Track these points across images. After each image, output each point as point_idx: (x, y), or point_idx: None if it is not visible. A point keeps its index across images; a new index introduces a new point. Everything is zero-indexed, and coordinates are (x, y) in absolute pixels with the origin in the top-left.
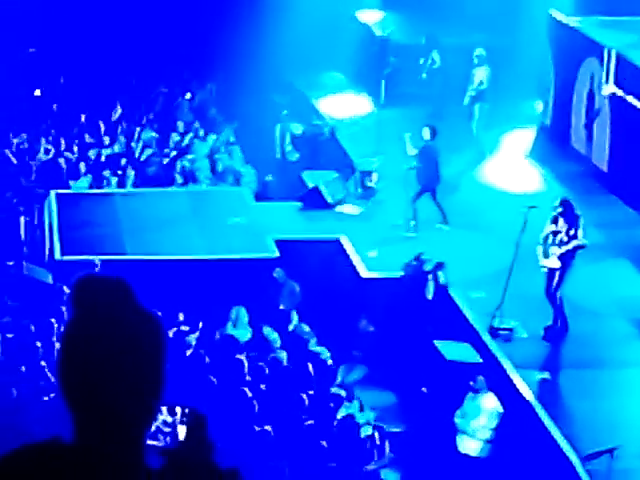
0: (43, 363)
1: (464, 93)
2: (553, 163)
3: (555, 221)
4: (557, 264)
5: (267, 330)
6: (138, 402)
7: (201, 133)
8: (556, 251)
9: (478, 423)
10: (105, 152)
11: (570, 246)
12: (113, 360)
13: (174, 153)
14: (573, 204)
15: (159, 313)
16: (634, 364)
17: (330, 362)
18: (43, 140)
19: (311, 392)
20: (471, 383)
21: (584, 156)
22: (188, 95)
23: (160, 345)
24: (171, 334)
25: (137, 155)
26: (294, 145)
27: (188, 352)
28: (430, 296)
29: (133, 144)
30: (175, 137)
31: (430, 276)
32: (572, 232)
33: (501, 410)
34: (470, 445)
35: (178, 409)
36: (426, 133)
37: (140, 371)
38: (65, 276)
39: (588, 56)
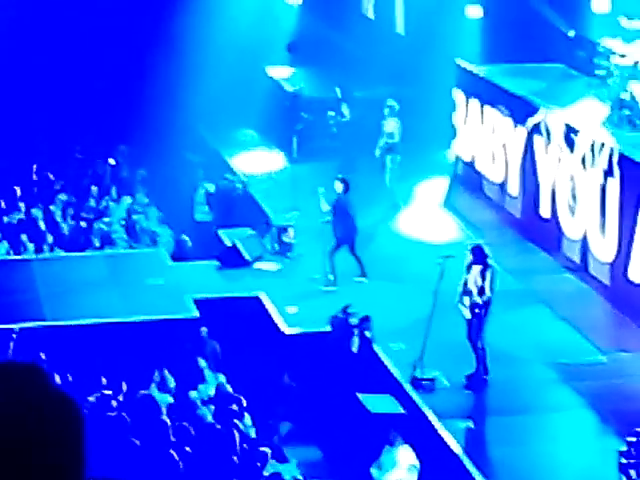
0: None
1: (376, 145)
2: (467, 212)
3: (469, 269)
4: (468, 314)
5: (190, 390)
6: None
7: (115, 195)
8: (467, 302)
9: (393, 476)
10: (21, 217)
11: (479, 300)
12: (21, 452)
13: (90, 216)
14: (485, 251)
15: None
16: (556, 409)
17: (254, 420)
18: None
19: (237, 451)
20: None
21: (498, 204)
22: (112, 161)
23: (76, 430)
24: (93, 398)
25: (54, 220)
26: (209, 204)
27: (111, 415)
28: (355, 349)
29: (52, 207)
30: (91, 201)
31: (356, 330)
32: (481, 282)
33: (417, 464)
34: None
35: None
36: (338, 186)
37: (56, 460)
38: None
39: (496, 104)
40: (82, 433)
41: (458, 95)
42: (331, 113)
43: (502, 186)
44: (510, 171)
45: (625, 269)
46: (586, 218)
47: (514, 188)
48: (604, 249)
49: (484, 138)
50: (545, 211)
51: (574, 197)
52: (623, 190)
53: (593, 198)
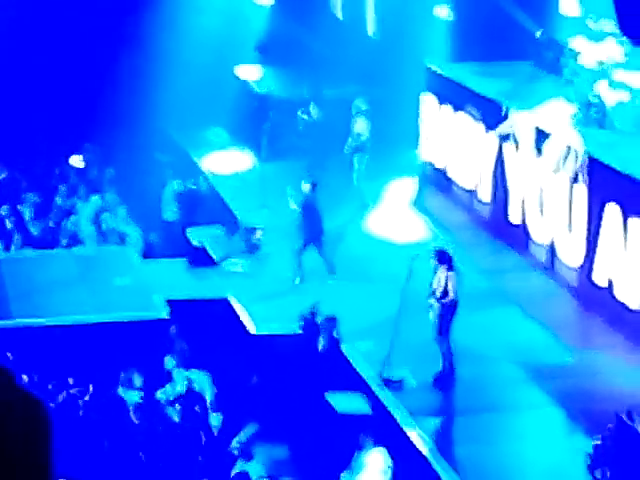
0: None
1: (344, 145)
2: (437, 212)
3: (435, 270)
4: (434, 317)
5: (158, 390)
6: None
7: (83, 194)
8: (433, 302)
9: (364, 479)
10: None
11: (442, 301)
12: None
13: (58, 215)
14: (449, 253)
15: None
16: (524, 408)
17: (223, 420)
18: None
19: (205, 450)
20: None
21: (467, 204)
22: (78, 161)
23: (43, 430)
24: (61, 398)
25: (22, 219)
26: (178, 203)
27: (79, 415)
28: (321, 348)
29: (19, 207)
30: (59, 200)
31: (322, 329)
32: (444, 284)
33: (388, 467)
34: None
35: None
36: (305, 186)
37: (23, 460)
38: None
39: (465, 103)
40: (49, 433)
41: (427, 98)
42: (301, 114)
43: (472, 188)
44: (478, 173)
45: (589, 272)
46: (554, 222)
47: (484, 190)
48: (572, 253)
49: (453, 141)
50: (514, 215)
51: (542, 201)
52: (591, 193)
53: (561, 202)
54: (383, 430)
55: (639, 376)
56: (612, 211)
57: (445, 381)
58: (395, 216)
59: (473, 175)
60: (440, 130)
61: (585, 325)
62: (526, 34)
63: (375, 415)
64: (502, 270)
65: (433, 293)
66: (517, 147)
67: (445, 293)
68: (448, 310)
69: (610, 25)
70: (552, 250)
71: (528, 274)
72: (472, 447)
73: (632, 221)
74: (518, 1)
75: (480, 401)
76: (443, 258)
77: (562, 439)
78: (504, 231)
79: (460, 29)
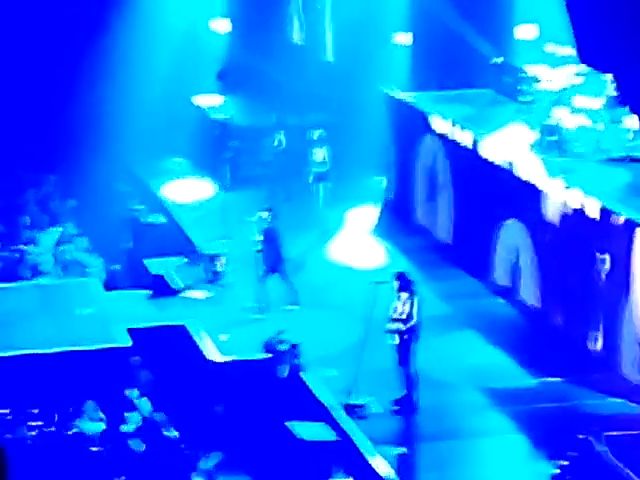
0: None
1: (306, 172)
2: (398, 238)
3: (397, 295)
4: (396, 341)
5: (120, 420)
6: None
7: (45, 226)
8: (394, 328)
9: None
10: None
11: (405, 326)
12: None
13: (21, 247)
14: (409, 278)
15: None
16: (487, 434)
17: (185, 449)
18: None
19: None
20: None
21: (428, 230)
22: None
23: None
24: (25, 430)
25: None
26: (139, 233)
27: (40, 446)
28: (285, 376)
29: None
30: (21, 231)
31: (285, 356)
32: (407, 308)
33: None
34: None
35: None
36: (264, 215)
37: None
38: None
39: (426, 131)
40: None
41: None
42: (267, 141)
43: (432, 212)
44: (440, 197)
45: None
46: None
47: (444, 215)
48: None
49: (417, 165)
50: (475, 238)
51: (499, 224)
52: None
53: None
54: (347, 458)
55: (600, 399)
56: None
57: (408, 407)
58: (357, 242)
59: (433, 198)
60: (404, 155)
61: (546, 350)
62: (485, 60)
63: (339, 443)
64: (462, 295)
65: (395, 319)
66: (478, 169)
67: (408, 318)
68: (410, 335)
69: (568, 50)
70: (515, 272)
71: (488, 299)
72: (435, 474)
73: None
74: (476, 27)
75: (442, 427)
76: (404, 282)
77: (525, 465)
78: (465, 255)
79: (419, 56)
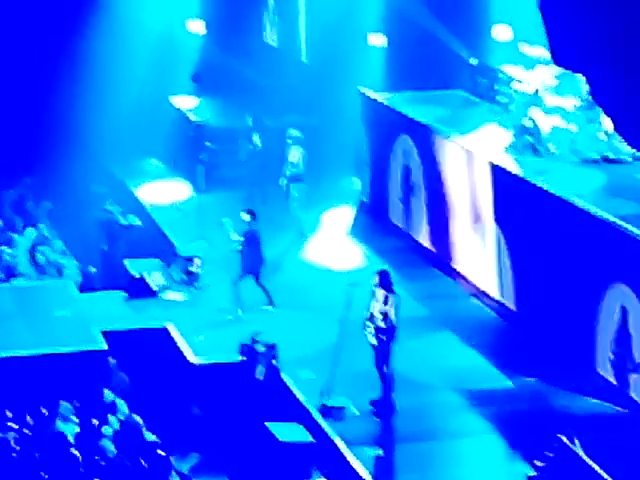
0: None
1: (282, 174)
2: (373, 239)
3: (373, 294)
4: (374, 341)
5: (97, 423)
6: None
7: (20, 227)
8: (371, 328)
9: None
10: None
11: (382, 325)
12: None
13: None
14: (389, 277)
15: None
16: (464, 435)
17: (163, 451)
18: None
19: None
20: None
21: (403, 231)
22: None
23: None
24: (1, 432)
25: None
26: (115, 235)
27: (16, 449)
28: (261, 377)
29: None
30: None
31: (262, 358)
32: (384, 307)
33: None
34: None
35: None
36: (245, 217)
37: None
38: None
39: (401, 132)
40: None
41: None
42: (248, 143)
43: (407, 213)
44: (414, 198)
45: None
46: (489, 245)
47: (419, 216)
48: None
49: (392, 165)
50: (449, 239)
51: (475, 225)
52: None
53: (491, 226)
54: (324, 459)
55: (576, 400)
56: None
57: (385, 408)
58: (333, 244)
59: (408, 200)
60: (378, 156)
61: (523, 351)
62: (460, 61)
63: (316, 444)
64: (438, 296)
65: (371, 317)
66: (450, 171)
67: (385, 317)
68: (388, 334)
69: (542, 50)
70: (486, 276)
71: (464, 300)
72: (413, 475)
73: None
74: (451, 28)
75: (419, 428)
76: (385, 280)
77: (502, 465)
78: (440, 256)
79: (394, 57)
